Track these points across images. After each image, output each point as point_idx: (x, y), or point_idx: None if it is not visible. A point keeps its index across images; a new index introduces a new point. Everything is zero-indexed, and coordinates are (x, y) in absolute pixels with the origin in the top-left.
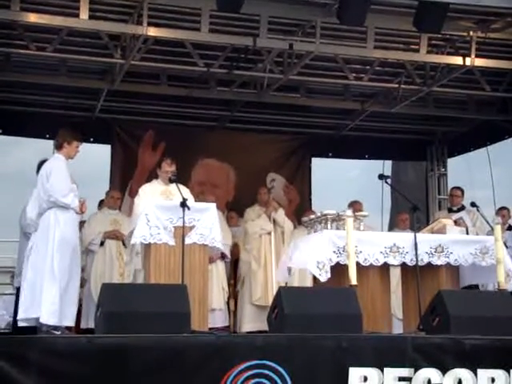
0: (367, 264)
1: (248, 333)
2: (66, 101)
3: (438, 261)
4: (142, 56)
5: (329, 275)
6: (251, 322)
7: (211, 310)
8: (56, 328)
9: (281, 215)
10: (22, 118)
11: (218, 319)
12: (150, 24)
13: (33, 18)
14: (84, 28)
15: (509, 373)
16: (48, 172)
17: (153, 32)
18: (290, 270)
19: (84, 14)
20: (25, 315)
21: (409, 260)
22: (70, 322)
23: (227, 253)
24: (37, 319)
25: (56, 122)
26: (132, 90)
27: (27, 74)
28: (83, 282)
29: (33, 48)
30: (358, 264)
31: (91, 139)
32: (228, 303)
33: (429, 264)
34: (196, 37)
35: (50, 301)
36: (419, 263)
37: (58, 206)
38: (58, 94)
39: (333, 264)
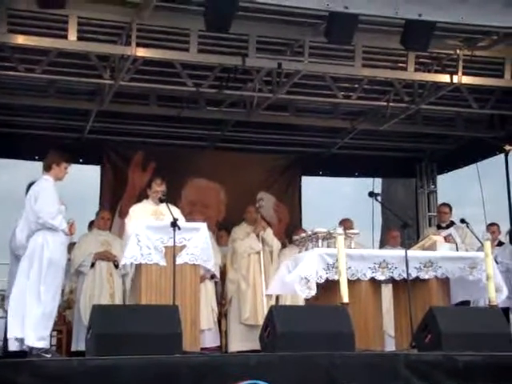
0: (354, 278)
1: (238, 352)
2: (56, 122)
3: (426, 275)
4: (131, 76)
5: (313, 292)
6: (240, 341)
7: (201, 330)
8: (46, 351)
9: (269, 234)
10: (11, 140)
11: (208, 339)
12: (138, 44)
13: (21, 39)
14: (73, 49)
15: None
16: (36, 194)
17: (142, 52)
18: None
19: (72, 35)
20: (15, 334)
21: (397, 275)
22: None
23: (217, 273)
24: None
25: (45, 144)
26: (121, 111)
27: (16, 95)
28: (72, 304)
29: (21, 69)
30: (348, 281)
31: (81, 160)
32: (219, 323)
33: (420, 279)
34: (185, 57)
35: (33, 323)
36: (407, 278)
37: (46, 228)
38: (47, 116)
39: (323, 281)
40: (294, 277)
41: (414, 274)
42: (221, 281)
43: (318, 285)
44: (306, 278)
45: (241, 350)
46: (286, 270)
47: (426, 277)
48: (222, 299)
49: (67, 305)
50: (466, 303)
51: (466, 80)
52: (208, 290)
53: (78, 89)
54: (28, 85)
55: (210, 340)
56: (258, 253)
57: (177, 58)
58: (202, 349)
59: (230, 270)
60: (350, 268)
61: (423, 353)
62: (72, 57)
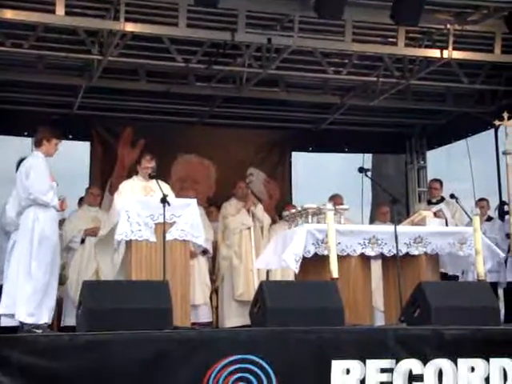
0: (344, 254)
1: (229, 328)
2: (44, 98)
3: (416, 251)
4: (119, 52)
5: (298, 266)
6: (235, 317)
7: (195, 305)
8: (37, 327)
9: (260, 210)
10: (0, 116)
11: (202, 315)
12: (127, 19)
13: (9, 14)
14: (61, 24)
15: (488, 362)
16: (27, 170)
17: (130, 27)
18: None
19: (60, 10)
20: (6, 311)
21: (387, 251)
22: (47, 319)
23: (209, 248)
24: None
25: (34, 120)
26: (110, 87)
27: (3, 71)
28: (64, 280)
29: (8, 45)
30: (338, 256)
31: (70, 136)
32: (211, 299)
33: (409, 254)
34: (174, 32)
35: (24, 299)
36: (397, 254)
37: (37, 204)
38: (36, 91)
39: (310, 255)
40: (283, 251)
41: (403, 250)
42: (212, 257)
43: (307, 260)
44: (294, 253)
45: (235, 325)
46: (275, 245)
47: (416, 253)
48: (212, 275)
49: (60, 280)
50: (454, 278)
51: (457, 55)
52: (201, 266)
53: (66, 64)
54: (16, 60)
55: (204, 315)
56: (249, 228)
57: (166, 33)
58: (196, 324)
59: (222, 247)
60: (339, 243)
61: (412, 327)
62: (60, 32)
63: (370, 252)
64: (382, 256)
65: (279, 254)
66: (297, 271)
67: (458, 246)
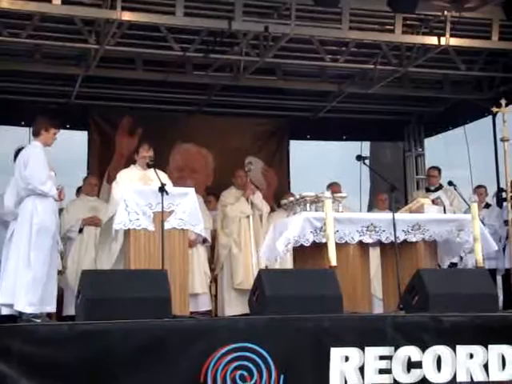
0: (342, 242)
1: (230, 316)
2: (42, 87)
3: (414, 238)
4: (116, 41)
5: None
6: (235, 306)
7: (194, 294)
8: (37, 316)
9: (258, 198)
10: None
11: (202, 303)
12: (124, 8)
13: (5, 3)
14: (57, 13)
15: (487, 348)
16: (26, 160)
17: (127, 16)
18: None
19: None
20: (5, 301)
21: (384, 238)
22: (51, 308)
23: (208, 237)
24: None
25: (32, 109)
26: (108, 76)
27: (1, 60)
28: (63, 269)
29: (5, 34)
30: (336, 244)
31: (68, 126)
32: (210, 287)
33: (407, 242)
34: (171, 21)
35: (24, 289)
36: (395, 241)
37: (36, 194)
38: (33, 81)
39: (309, 243)
40: (281, 239)
41: (401, 237)
42: (211, 246)
43: (306, 249)
44: (286, 238)
45: (235, 314)
46: (273, 233)
47: (414, 239)
48: (211, 264)
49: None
50: (452, 265)
51: (454, 42)
52: (200, 255)
53: (63, 54)
54: (13, 50)
55: (203, 304)
56: (248, 217)
57: (163, 22)
58: (196, 312)
59: (221, 235)
60: (337, 231)
61: (410, 314)
62: (57, 21)
63: (367, 239)
64: (380, 243)
65: (277, 243)
66: (282, 254)
67: (455, 232)
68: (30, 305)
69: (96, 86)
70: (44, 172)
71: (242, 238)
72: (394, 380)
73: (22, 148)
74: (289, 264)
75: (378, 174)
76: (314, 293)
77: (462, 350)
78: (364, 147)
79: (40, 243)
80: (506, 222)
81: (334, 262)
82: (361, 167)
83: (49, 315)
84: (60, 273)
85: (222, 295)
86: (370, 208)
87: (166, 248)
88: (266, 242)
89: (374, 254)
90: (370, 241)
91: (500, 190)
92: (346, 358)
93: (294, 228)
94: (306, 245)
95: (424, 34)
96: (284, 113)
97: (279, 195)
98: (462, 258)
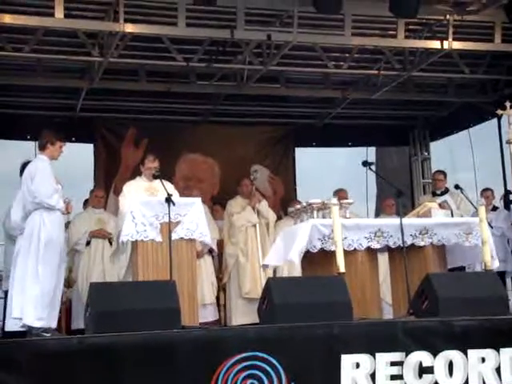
0: (351, 249)
1: (237, 326)
2: (46, 101)
3: (422, 242)
4: (119, 53)
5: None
6: (243, 315)
7: (203, 305)
8: (46, 330)
9: (265, 206)
10: (2, 121)
11: (210, 314)
12: (126, 20)
13: (8, 18)
14: (60, 27)
15: (498, 352)
16: (32, 173)
17: (130, 28)
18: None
19: (59, 12)
20: (17, 315)
21: (392, 243)
22: (54, 323)
23: (214, 247)
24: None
25: (37, 123)
26: (112, 88)
27: (4, 75)
28: (71, 283)
29: (9, 49)
30: (344, 251)
31: (73, 139)
32: (218, 297)
33: (415, 246)
34: (173, 32)
35: (32, 303)
36: (403, 245)
37: (43, 208)
38: (38, 95)
39: (316, 250)
40: (290, 247)
41: (409, 242)
42: (218, 255)
43: (314, 256)
44: (298, 250)
45: (243, 323)
46: (281, 241)
47: (422, 244)
48: (219, 273)
49: (66, 283)
50: (460, 269)
51: (457, 45)
52: (207, 265)
53: (67, 67)
54: (17, 64)
55: (211, 314)
56: (255, 225)
57: (165, 33)
58: (204, 323)
59: (227, 244)
60: (345, 238)
61: (420, 319)
62: (60, 35)
63: (375, 245)
64: (388, 249)
65: (285, 250)
66: (297, 262)
67: (464, 236)
68: (38, 319)
69: (100, 98)
70: (51, 185)
71: (249, 246)
72: None
73: (29, 162)
74: (297, 272)
75: (384, 179)
76: (323, 300)
77: (474, 354)
78: (370, 153)
79: (48, 257)
80: None
81: (342, 269)
82: (367, 173)
83: (57, 329)
84: (69, 286)
85: (230, 305)
86: (377, 214)
87: (174, 258)
88: (273, 249)
89: (383, 260)
90: (378, 246)
91: (507, 193)
92: (357, 365)
93: (303, 237)
94: (312, 251)
95: (427, 38)
96: (289, 120)
97: (286, 203)
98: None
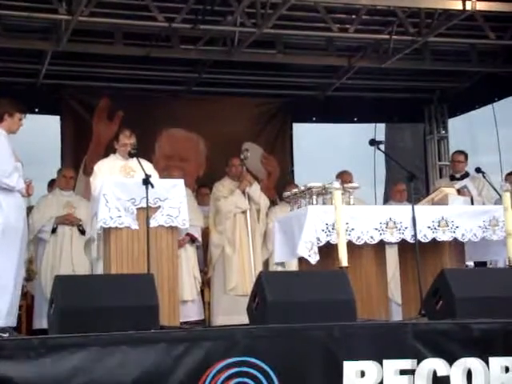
0: (361, 243)
1: (223, 326)
2: (5, 66)
3: (444, 236)
4: (91, 11)
5: (317, 257)
6: (226, 314)
7: (183, 301)
8: (3, 330)
9: (256, 190)
10: None
11: (192, 312)
12: None
13: None
14: None
15: None
16: None
17: None
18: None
19: None
20: None
21: (409, 237)
22: (12, 322)
23: (198, 236)
24: None
25: None
26: (82, 51)
27: None
28: (32, 276)
29: None
30: (349, 243)
31: (36, 109)
32: (202, 293)
33: (430, 240)
34: None
35: None
36: (422, 240)
37: (0, 189)
38: None
39: (322, 244)
40: (301, 245)
41: (429, 236)
42: (203, 245)
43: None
44: (310, 242)
45: (227, 324)
46: (280, 233)
47: (444, 238)
48: (204, 266)
49: (27, 276)
50: (481, 264)
51: (481, 6)
52: (189, 256)
53: (29, 26)
54: None
55: (194, 312)
56: (245, 212)
57: None
58: (184, 323)
59: (213, 233)
60: (353, 230)
61: (434, 321)
62: None
63: (390, 238)
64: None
65: (290, 243)
66: (313, 262)
67: (490, 229)
68: None
69: (68, 63)
70: (9, 163)
71: (237, 236)
72: None
73: None
74: (293, 265)
75: (394, 160)
76: (322, 298)
77: (496, 362)
78: (378, 130)
79: (5, 246)
80: None
81: (345, 263)
82: (375, 153)
83: (16, 328)
84: (30, 279)
85: (214, 301)
86: (386, 200)
87: (152, 249)
88: (278, 243)
89: (391, 253)
90: (392, 240)
91: None
92: (362, 373)
93: (310, 226)
94: (319, 245)
95: None
96: (286, 92)
97: (281, 186)
98: None
